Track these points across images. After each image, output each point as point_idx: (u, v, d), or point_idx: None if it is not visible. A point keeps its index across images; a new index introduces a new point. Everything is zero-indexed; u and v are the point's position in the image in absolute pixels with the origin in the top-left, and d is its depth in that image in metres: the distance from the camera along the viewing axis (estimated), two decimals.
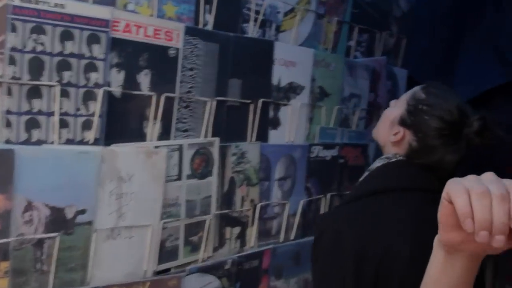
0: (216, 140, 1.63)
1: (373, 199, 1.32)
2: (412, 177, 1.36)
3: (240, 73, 1.70)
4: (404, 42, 2.44)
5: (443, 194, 0.75)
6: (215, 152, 1.63)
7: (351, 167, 2.16)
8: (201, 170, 1.59)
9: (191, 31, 1.54)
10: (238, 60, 1.69)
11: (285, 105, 1.88)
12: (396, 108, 1.44)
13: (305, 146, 1.95)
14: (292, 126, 1.90)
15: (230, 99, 1.68)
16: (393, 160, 1.38)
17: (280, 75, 1.84)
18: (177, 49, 1.51)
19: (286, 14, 1.87)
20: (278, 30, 1.85)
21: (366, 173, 1.42)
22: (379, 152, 2.31)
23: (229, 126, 1.69)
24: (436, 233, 1.28)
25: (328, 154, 2.05)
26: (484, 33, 2.97)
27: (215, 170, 1.63)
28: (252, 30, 1.75)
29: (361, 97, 2.21)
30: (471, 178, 0.73)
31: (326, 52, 2.05)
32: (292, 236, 1.92)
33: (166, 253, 1.52)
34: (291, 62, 1.88)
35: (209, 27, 1.62)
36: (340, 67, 2.08)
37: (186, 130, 1.57)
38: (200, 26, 1.59)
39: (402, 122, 1.40)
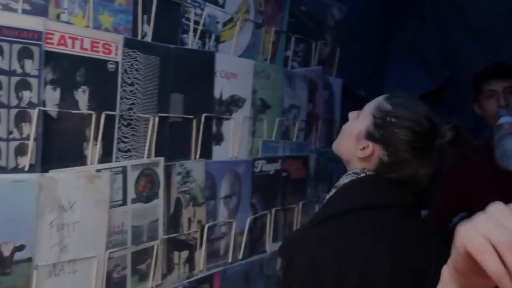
0: (161, 160, 1.52)
1: (345, 218, 1.25)
2: (384, 193, 1.29)
3: (181, 87, 1.60)
4: (338, 51, 2.42)
5: (457, 244, 0.64)
6: (160, 172, 1.52)
7: (294, 180, 2.11)
8: (146, 193, 1.48)
9: (130, 43, 1.43)
10: (179, 73, 1.59)
11: (227, 119, 1.79)
12: (360, 121, 1.37)
13: (249, 161, 1.87)
14: (235, 140, 1.82)
15: (173, 115, 1.58)
16: (362, 175, 1.32)
17: (222, 88, 1.76)
18: (116, 63, 1.39)
19: (225, 24, 1.79)
20: (218, 40, 1.76)
21: (333, 191, 1.35)
22: (320, 164, 2.28)
23: (172, 143, 1.58)
24: (414, 248, 1.25)
25: (272, 168, 1.98)
26: (410, 41, 3.02)
27: (161, 192, 1.52)
28: (191, 41, 1.66)
29: (300, 108, 2.16)
30: (485, 220, 0.62)
31: (265, 63, 1.98)
32: (240, 255, 1.84)
33: (113, 285, 1.39)
34: (232, 73, 1.80)
35: (148, 38, 1.51)
36: (280, 78, 2.02)
37: (128, 150, 1.45)
38: (139, 37, 1.48)
39: (370, 136, 1.32)
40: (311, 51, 2.26)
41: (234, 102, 1.82)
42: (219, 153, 1.76)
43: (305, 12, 2.17)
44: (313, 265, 1.16)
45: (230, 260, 1.79)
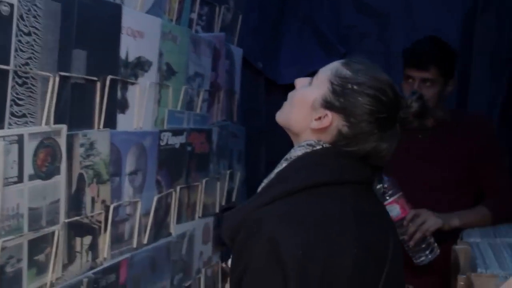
0: (63, 128, 1.26)
1: (303, 196, 1.10)
2: (344, 169, 1.16)
3: (85, 43, 1.35)
4: (240, 18, 2.25)
5: None
6: (63, 143, 1.26)
7: (198, 155, 1.92)
8: (46, 168, 1.21)
9: None
10: (83, 26, 1.33)
11: (132, 83, 1.56)
12: (314, 89, 1.21)
13: (155, 133, 1.66)
14: (140, 109, 1.59)
15: (75, 75, 1.32)
16: (318, 148, 1.17)
17: (128, 48, 1.52)
18: (11, 5, 1.11)
19: None
20: None
21: (284, 164, 1.19)
22: (222, 138, 2.11)
23: (73, 109, 1.33)
24: (375, 230, 1.12)
25: (177, 141, 1.78)
26: (303, 15, 2.95)
27: (63, 166, 1.27)
28: None
29: (204, 76, 1.97)
30: None
31: (172, 23, 1.76)
32: (145, 240, 1.62)
33: (6, 281, 1.13)
34: (139, 32, 1.56)
35: None
36: (186, 42, 1.81)
37: (23, 115, 1.18)
38: None
39: (328, 105, 1.18)
40: (214, 15, 2.07)
41: (140, 65, 1.59)
42: (123, 122, 1.53)
43: None
44: (274, 251, 1.01)
45: (135, 245, 1.57)
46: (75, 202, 1.33)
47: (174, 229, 1.78)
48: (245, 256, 1.05)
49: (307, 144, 1.18)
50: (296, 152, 1.19)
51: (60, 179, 1.26)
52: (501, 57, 2.74)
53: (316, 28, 2.94)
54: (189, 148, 1.85)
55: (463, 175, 2.11)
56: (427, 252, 1.98)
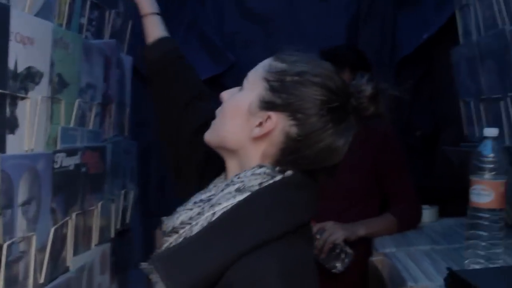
0: None
1: (286, 243, 0.95)
2: (309, 204, 1.02)
3: None
4: (130, 24, 2.07)
5: None
6: None
7: (92, 176, 1.71)
8: None
9: None
10: None
11: (23, 98, 1.34)
12: (246, 93, 1.06)
13: (49, 155, 1.44)
14: (31, 128, 1.37)
15: None
16: (278, 178, 1.01)
17: (17, 57, 1.30)
18: None
19: None
20: None
21: (237, 196, 0.99)
22: (115, 156, 1.91)
23: None
24: None
25: (72, 162, 1.56)
26: (189, 20, 2.83)
27: None
28: None
29: (96, 88, 1.77)
30: None
31: (62, 28, 1.55)
32: (42, 279, 1.40)
33: None
34: (29, 38, 1.34)
35: None
36: (79, 49, 1.61)
37: None
38: None
39: (269, 105, 1.02)
40: (104, 20, 1.87)
41: (31, 77, 1.37)
42: (13, 144, 1.30)
43: None
44: None
45: (31, 286, 1.34)
46: None
47: (72, 262, 1.57)
48: None
49: (264, 173, 1.01)
50: (251, 181, 1.01)
51: None
52: (385, 62, 2.81)
53: (201, 34, 2.83)
54: (83, 169, 1.64)
55: (370, 183, 2.10)
56: (342, 257, 1.93)
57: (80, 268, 1.61)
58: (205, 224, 0.98)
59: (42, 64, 1.41)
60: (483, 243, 1.38)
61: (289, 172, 1.03)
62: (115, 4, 1.95)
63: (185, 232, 0.99)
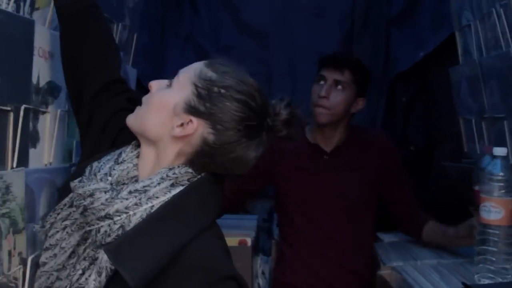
0: None
1: (213, 231, 1.11)
2: (219, 202, 1.14)
3: None
4: (135, 37, 2.08)
5: None
6: None
7: None
8: None
9: None
10: None
11: (43, 113, 1.34)
12: (175, 92, 1.10)
13: (66, 169, 1.44)
14: (51, 142, 1.38)
15: None
16: (184, 178, 1.09)
17: (39, 71, 1.31)
18: None
19: None
20: (33, 6, 1.30)
21: (172, 191, 1.07)
22: None
23: None
24: None
25: None
26: (185, 32, 2.84)
27: None
28: (5, 2, 1.18)
29: None
30: None
31: None
32: None
33: None
34: (50, 53, 1.36)
35: None
36: None
37: None
38: None
39: (192, 110, 1.08)
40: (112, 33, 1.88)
41: (50, 91, 1.38)
42: (34, 158, 1.30)
43: None
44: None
45: None
46: None
47: None
48: None
49: (172, 175, 1.08)
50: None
51: None
52: (378, 76, 2.85)
53: (198, 46, 2.84)
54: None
55: (372, 195, 2.09)
56: None
57: None
58: (144, 215, 1.04)
59: (60, 78, 1.41)
60: (493, 258, 1.42)
61: (189, 170, 1.10)
62: (123, 17, 1.96)
63: (121, 220, 1.04)
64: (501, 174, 1.43)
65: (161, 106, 1.10)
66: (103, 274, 1.03)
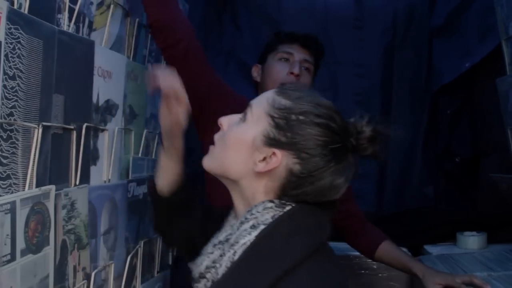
0: (52, 189, 1.06)
1: (309, 268, 0.96)
2: (324, 224, 1.03)
3: (62, 86, 1.16)
4: None
5: None
6: (51, 207, 1.06)
7: None
8: (36, 239, 1.01)
9: (13, 16, 0.96)
10: (61, 66, 1.14)
11: (102, 130, 1.37)
12: (251, 126, 1.04)
13: (124, 185, 1.47)
14: (109, 158, 1.41)
15: (55, 125, 1.13)
16: (288, 208, 1.02)
17: (99, 90, 1.34)
18: None
19: (97, 7, 1.37)
20: (91, 28, 1.34)
21: (252, 232, 1.00)
22: None
23: (52, 164, 1.13)
24: None
25: (141, 191, 1.60)
26: (227, 47, 2.87)
27: (52, 235, 1.06)
28: (66, 24, 1.21)
29: (157, 117, 1.80)
30: None
31: (130, 60, 1.59)
32: None
33: None
34: (108, 72, 1.39)
35: (25, 11, 1.05)
36: (145, 81, 1.65)
37: (8, 177, 0.97)
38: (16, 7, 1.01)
39: (273, 143, 1.01)
40: (159, 51, 1.92)
41: (109, 109, 1.41)
42: (94, 175, 1.33)
43: None
44: None
45: None
46: (59, 274, 1.12)
47: None
48: None
49: (275, 206, 1.02)
50: (264, 215, 1.01)
51: (49, 251, 1.05)
52: (420, 89, 2.83)
53: (240, 62, 2.86)
54: (149, 198, 1.67)
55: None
56: None
57: None
58: (228, 264, 0.99)
59: (117, 97, 1.45)
60: None
61: (286, 200, 1.03)
62: None
63: (212, 275, 1.01)
64: None
65: (239, 143, 1.04)
66: None
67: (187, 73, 1.43)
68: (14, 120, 0.98)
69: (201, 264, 1.02)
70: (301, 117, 1.01)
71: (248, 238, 0.99)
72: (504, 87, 2.06)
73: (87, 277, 1.23)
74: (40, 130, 1.05)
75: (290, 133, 1.01)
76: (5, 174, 0.96)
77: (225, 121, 1.10)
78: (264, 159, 1.02)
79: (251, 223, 1.01)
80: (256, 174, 1.03)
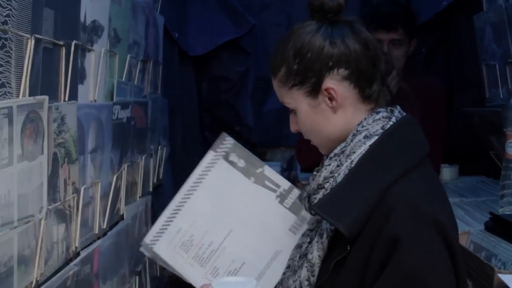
0: (46, 99, 1.08)
1: (420, 172, 1.06)
2: (424, 139, 1.11)
3: (53, 0, 1.16)
4: None
5: None
6: (45, 117, 1.08)
7: (138, 130, 1.78)
8: (31, 147, 1.03)
9: None
10: None
11: (89, 50, 1.38)
12: (301, 107, 1.12)
13: (109, 106, 1.49)
14: (95, 79, 1.43)
15: (46, 38, 1.14)
16: (394, 118, 1.09)
17: (86, 9, 1.34)
18: None
19: None
20: None
21: (366, 141, 1.07)
22: (154, 112, 1.96)
23: (43, 77, 1.14)
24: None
25: (124, 115, 1.62)
26: None
27: (46, 145, 1.09)
28: None
29: (140, 45, 1.82)
30: None
31: None
32: (105, 225, 1.47)
33: None
34: None
35: None
36: (129, 6, 1.65)
37: (3, 85, 0.99)
38: None
39: (314, 88, 1.09)
40: None
41: (95, 30, 1.42)
42: (81, 94, 1.35)
43: None
44: (440, 233, 0.99)
45: (97, 231, 1.41)
46: (52, 186, 1.15)
47: (125, 211, 1.64)
48: (416, 252, 0.98)
49: (383, 117, 1.09)
50: (374, 127, 1.08)
51: (43, 160, 1.08)
52: None
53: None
54: (132, 122, 1.70)
55: None
56: None
57: (133, 216, 1.68)
58: (346, 171, 1.06)
59: (103, 18, 1.46)
60: None
61: (398, 114, 1.11)
62: None
63: (330, 184, 1.07)
64: None
65: (314, 120, 1.11)
66: (324, 236, 1.07)
67: None
68: (9, 28, 0.99)
69: (319, 176, 1.09)
70: (309, 54, 1.07)
71: (364, 147, 1.07)
72: (480, 24, 2.11)
73: (77, 191, 1.26)
74: (33, 42, 1.06)
75: (309, 65, 1.08)
76: (0, 82, 0.97)
77: (294, 127, 1.17)
78: (330, 99, 1.09)
79: (363, 134, 1.08)
80: (340, 110, 1.10)
